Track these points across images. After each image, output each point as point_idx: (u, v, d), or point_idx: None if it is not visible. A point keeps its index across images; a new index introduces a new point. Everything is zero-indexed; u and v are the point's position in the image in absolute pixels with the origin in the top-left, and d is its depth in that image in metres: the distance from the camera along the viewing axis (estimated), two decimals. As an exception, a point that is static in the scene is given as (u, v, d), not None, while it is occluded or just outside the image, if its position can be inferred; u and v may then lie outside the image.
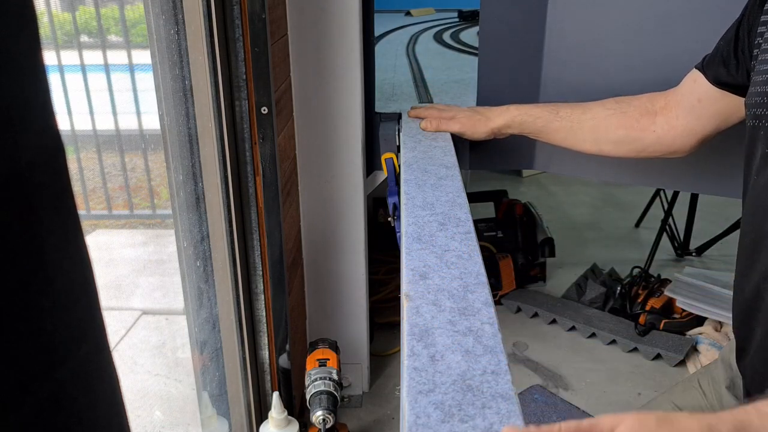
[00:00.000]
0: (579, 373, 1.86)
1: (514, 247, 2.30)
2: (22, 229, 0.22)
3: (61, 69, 1.18)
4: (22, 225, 0.22)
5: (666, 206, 2.43)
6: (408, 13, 3.73)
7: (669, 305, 2.06)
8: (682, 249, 2.55)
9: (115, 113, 1.26)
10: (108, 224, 1.57)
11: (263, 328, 1.31)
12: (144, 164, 1.43)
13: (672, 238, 2.52)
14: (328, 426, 1.27)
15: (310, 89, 1.41)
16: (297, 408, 1.47)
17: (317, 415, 1.26)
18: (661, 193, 2.54)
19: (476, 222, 1.90)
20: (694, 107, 1.03)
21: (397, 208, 1.23)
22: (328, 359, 1.34)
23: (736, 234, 2.39)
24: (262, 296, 1.28)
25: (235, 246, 1.20)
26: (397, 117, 1.47)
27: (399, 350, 1.85)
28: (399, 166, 1.28)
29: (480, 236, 2.26)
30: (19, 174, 0.22)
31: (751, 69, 0.87)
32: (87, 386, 0.26)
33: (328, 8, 1.34)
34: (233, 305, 1.24)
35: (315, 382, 1.30)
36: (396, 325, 1.96)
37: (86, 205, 1.44)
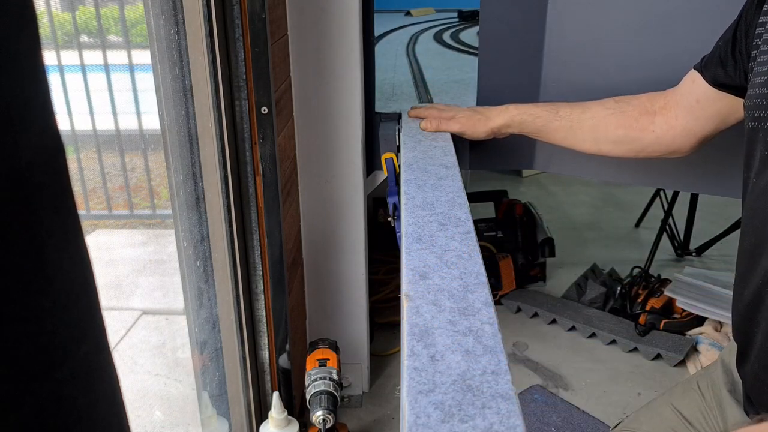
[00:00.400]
0: (579, 373, 1.86)
1: (514, 247, 2.30)
2: (22, 229, 0.22)
3: (61, 69, 1.18)
4: (22, 225, 0.22)
5: (666, 206, 2.43)
6: (408, 13, 3.73)
7: (669, 305, 2.06)
8: (682, 249, 2.55)
9: (115, 113, 1.26)
10: (108, 224, 1.57)
11: (263, 328, 1.31)
12: (144, 164, 1.43)
13: (672, 238, 2.52)
14: (328, 426, 1.27)
15: (310, 89, 1.41)
16: (297, 408, 1.47)
17: (317, 415, 1.26)
18: (661, 193, 2.54)
19: (476, 222, 1.90)
20: (693, 108, 1.03)
21: (397, 208, 1.23)
22: (328, 359, 1.34)
23: (736, 234, 2.40)
24: (262, 296, 1.28)
25: (235, 246, 1.20)
26: (397, 117, 1.47)
27: (399, 350, 1.85)
28: (399, 166, 1.28)
29: (480, 236, 2.26)
30: (19, 174, 0.22)
31: (749, 70, 0.86)
32: (87, 386, 0.26)
33: (328, 8, 1.34)
34: (233, 305, 1.24)
35: (315, 382, 1.30)
36: (396, 325, 1.96)
37: (86, 205, 1.44)
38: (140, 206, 1.57)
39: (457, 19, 3.53)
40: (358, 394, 1.71)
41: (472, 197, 2.32)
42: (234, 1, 1.06)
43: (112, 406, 0.29)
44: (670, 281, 2.14)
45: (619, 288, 2.13)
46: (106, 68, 1.23)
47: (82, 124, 1.28)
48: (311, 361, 1.35)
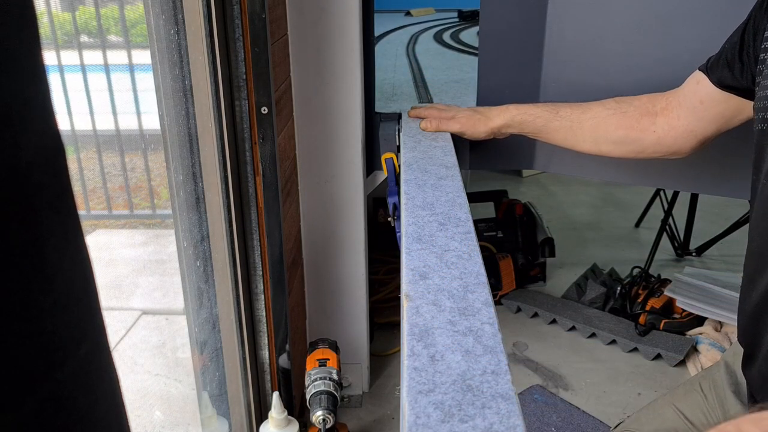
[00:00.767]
0: (579, 373, 1.86)
1: (514, 247, 2.30)
2: (22, 229, 0.22)
3: (61, 69, 1.18)
4: (22, 225, 0.22)
5: (666, 206, 2.43)
6: (408, 13, 3.73)
7: (669, 305, 2.06)
8: (682, 249, 2.55)
9: (115, 113, 1.26)
10: (108, 224, 1.56)
11: (263, 328, 1.31)
12: (144, 164, 1.43)
13: (672, 238, 2.52)
14: (328, 426, 1.27)
15: (310, 89, 1.41)
16: (297, 408, 1.47)
17: (317, 415, 1.26)
18: (661, 193, 2.54)
19: (476, 222, 1.90)
20: (696, 108, 1.02)
21: (397, 208, 1.23)
22: (328, 359, 1.34)
23: (736, 234, 2.41)
24: (262, 296, 1.28)
25: (235, 246, 1.20)
26: (397, 117, 1.47)
27: (399, 350, 1.85)
28: (399, 166, 1.28)
29: (480, 236, 2.26)
30: (19, 174, 0.22)
31: (756, 73, 0.86)
32: (87, 386, 0.26)
33: (328, 8, 1.34)
34: (233, 305, 1.24)
35: (315, 382, 1.30)
36: (396, 325, 1.96)
37: (86, 205, 1.44)
38: (140, 206, 1.57)
39: (457, 19, 3.53)
40: (358, 394, 1.71)
41: (472, 197, 2.32)
42: (234, 1, 1.06)
43: (112, 406, 0.29)
44: (670, 281, 2.14)
45: (619, 288, 2.13)
46: (106, 68, 1.23)
47: (82, 124, 1.28)
48: (311, 361, 1.34)
